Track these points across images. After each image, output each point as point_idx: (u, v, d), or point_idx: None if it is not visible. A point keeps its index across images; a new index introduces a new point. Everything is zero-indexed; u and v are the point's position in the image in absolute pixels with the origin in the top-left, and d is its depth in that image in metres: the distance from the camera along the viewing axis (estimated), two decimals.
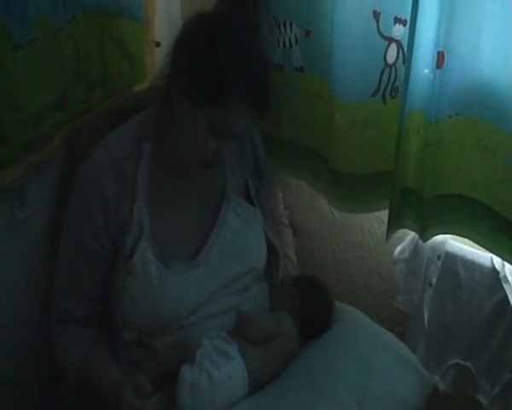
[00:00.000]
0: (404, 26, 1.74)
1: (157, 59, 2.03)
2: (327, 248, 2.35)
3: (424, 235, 1.87)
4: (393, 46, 1.79)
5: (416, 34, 1.62)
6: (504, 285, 1.86)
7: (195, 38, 1.52)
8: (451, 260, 1.95)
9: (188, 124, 1.54)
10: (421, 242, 1.95)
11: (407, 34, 1.68)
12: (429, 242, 1.93)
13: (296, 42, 1.97)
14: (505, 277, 1.85)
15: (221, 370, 1.53)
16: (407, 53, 1.68)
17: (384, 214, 1.95)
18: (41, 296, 1.82)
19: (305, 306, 1.73)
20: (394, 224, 1.88)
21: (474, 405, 1.96)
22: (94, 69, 1.91)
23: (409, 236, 2.03)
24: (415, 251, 2.04)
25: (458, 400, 2.04)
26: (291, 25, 1.96)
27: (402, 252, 2.08)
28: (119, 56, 2.00)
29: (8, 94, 1.59)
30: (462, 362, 2.00)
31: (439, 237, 1.93)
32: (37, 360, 1.92)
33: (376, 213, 2.11)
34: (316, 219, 2.33)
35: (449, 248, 1.95)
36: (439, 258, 1.97)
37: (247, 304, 1.72)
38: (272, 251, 1.80)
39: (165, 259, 1.60)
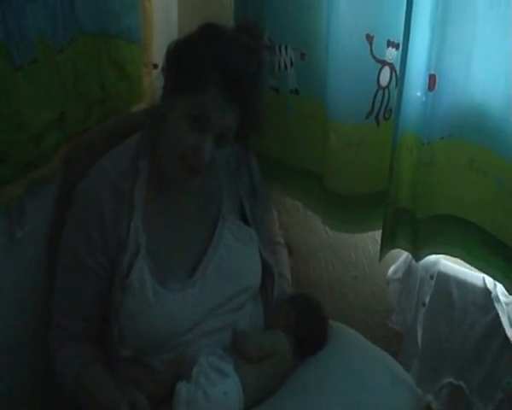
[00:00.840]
0: (397, 49, 1.76)
1: (155, 81, 2.04)
2: (322, 267, 2.35)
3: (417, 255, 1.88)
4: (386, 69, 1.81)
5: (408, 57, 1.64)
6: (496, 305, 1.86)
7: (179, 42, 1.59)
8: (444, 280, 1.96)
9: (171, 121, 1.56)
10: (414, 262, 1.96)
11: (400, 57, 1.70)
12: (422, 262, 1.93)
13: (291, 64, 1.97)
14: (497, 296, 1.86)
15: (217, 387, 1.53)
16: (399, 75, 1.70)
17: (378, 234, 1.95)
18: (39, 312, 1.82)
19: (301, 324, 1.73)
20: (388, 244, 1.89)
21: None
22: (92, 90, 1.92)
23: (402, 256, 2.04)
24: (408, 271, 2.04)
25: None
26: (286, 47, 1.97)
27: (395, 272, 2.08)
28: (117, 78, 2.02)
29: (9, 113, 1.60)
30: (455, 381, 2.00)
31: (432, 257, 1.94)
32: (33, 374, 1.92)
33: (370, 233, 2.12)
34: (311, 240, 2.33)
35: (442, 268, 1.96)
36: (431, 278, 1.98)
37: (242, 322, 1.72)
38: (267, 270, 1.81)
39: (162, 277, 1.61)
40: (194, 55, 1.55)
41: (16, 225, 1.75)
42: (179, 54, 1.58)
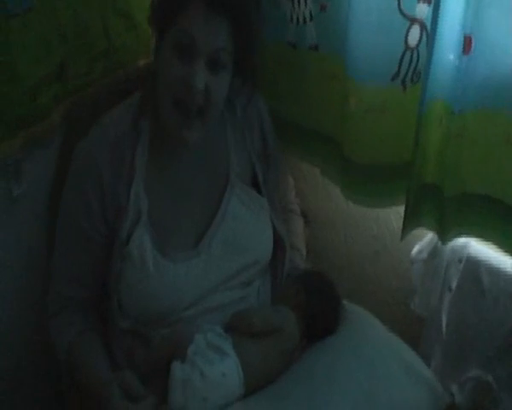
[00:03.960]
0: (429, 4, 1.60)
1: None
2: (340, 239, 2.26)
3: (444, 236, 1.76)
4: (416, 27, 1.64)
5: (441, 15, 1.48)
6: None
7: None
8: (474, 265, 1.82)
9: (161, 62, 1.48)
10: (440, 243, 1.83)
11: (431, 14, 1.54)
12: (450, 244, 1.82)
13: (311, 18, 1.83)
14: None
15: (214, 367, 1.46)
16: (430, 35, 1.54)
17: (402, 208, 1.82)
18: (40, 273, 1.78)
19: (311, 303, 1.64)
20: (411, 222, 1.77)
21: None
22: (96, 41, 1.84)
23: (428, 234, 1.91)
24: (434, 252, 1.91)
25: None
26: None
27: (420, 252, 1.95)
28: (124, 28, 1.92)
29: (2, 65, 1.55)
30: (482, 374, 1.86)
31: (462, 239, 1.83)
32: (35, 342, 1.89)
33: (394, 207, 1.98)
34: (329, 209, 2.24)
35: (471, 252, 1.83)
36: (460, 261, 1.85)
37: (250, 299, 1.67)
38: (279, 243, 1.73)
39: (164, 246, 1.55)
40: None
41: (13, 183, 1.71)
42: None
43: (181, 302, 1.56)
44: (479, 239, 1.78)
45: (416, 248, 1.96)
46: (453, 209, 1.70)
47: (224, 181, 1.66)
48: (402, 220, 1.80)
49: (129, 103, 1.60)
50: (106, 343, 1.61)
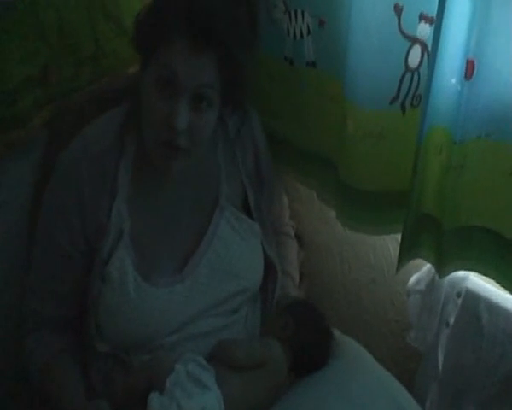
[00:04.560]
0: (431, 25, 1.51)
1: None
2: (336, 265, 2.19)
3: (441, 269, 1.67)
4: (417, 47, 1.56)
5: (442, 36, 1.39)
6: None
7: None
8: (473, 300, 1.75)
9: (144, 95, 1.42)
10: None
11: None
12: (449, 276, 1.75)
13: (308, 32, 1.75)
14: None
15: (193, 401, 1.39)
16: (431, 57, 1.45)
17: (400, 236, 1.73)
18: (18, 285, 1.71)
19: (300, 337, 1.59)
20: (408, 253, 1.69)
21: None
22: (83, 45, 1.80)
23: (426, 265, 1.85)
24: (431, 284, 1.84)
25: None
26: (303, 13, 1.74)
27: (417, 282, 1.88)
28: (113, 33, 1.88)
29: None
30: None
31: (461, 272, 1.75)
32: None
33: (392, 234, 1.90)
34: (325, 232, 2.18)
35: (470, 286, 1.76)
36: (458, 295, 1.78)
37: (236, 327, 1.61)
38: (270, 269, 1.68)
39: (146, 269, 1.50)
40: (156, 10, 1.39)
41: None
42: (143, 17, 1.42)
43: (162, 329, 1.51)
44: (478, 273, 1.70)
45: (412, 279, 1.90)
46: (452, 242, 1.62)
47: (212, 203, 1.60)
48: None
49: (115, 115, 1.55)
50: (83, 367, 1.56)
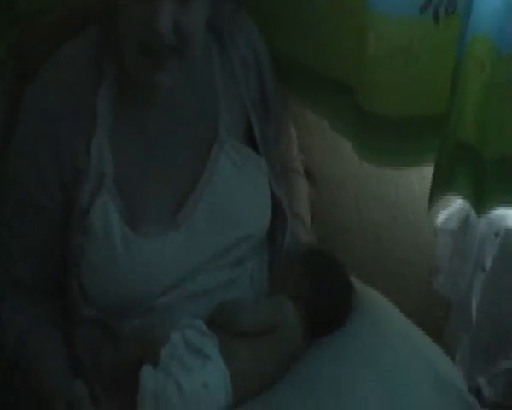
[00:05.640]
0: None
1: None
2: (352, 205, 2.08)
3: (480, 207, 1.57)
4: None
5: None
6: None
7: None
8: None
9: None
10: (473, 211, 1.65)
11: None
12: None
13: None
14: None
15: (194, 376, 1.29)
16: None
17: (427, 169, 1.67)
18: None
19: (317, 295, 1.47)
20: (441, 187, 1.59)
21: None
22: None
23: (459, 200, 1.75)
24: (465, 222, 1.76)
25: None
26: None
27: (448, 221, 1.80)
28: None
29: None
30: None
31: (499, 209, 1.65)
32: None
33: (417, 167, 1.82)
34: (340, 168, 2.06)
35: (511, 225, 1.68)
36: (497, 235, 1.70)
37: (241, 282, 1.50)
38: (278, 212, 1.56)
39: (134, 218, 1.39)
40: None
41: None
42: None
43: (156, 287, 1.40)
44: None
45: (442, 216, 1.81)
46: (493, 175, 1.52)
47: (210, 136, 1.48)
48: (426, 185, 1.64)
49: (89, 35, 1.43)
50: (67, 337, 1.47)
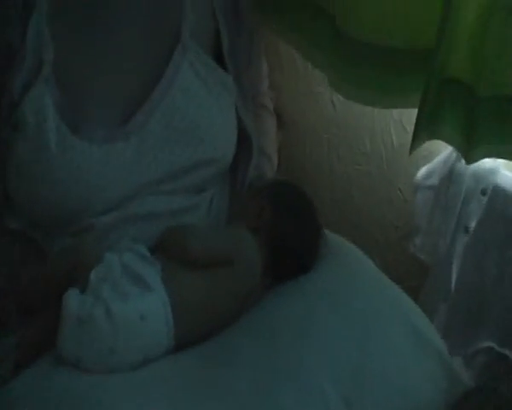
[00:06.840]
0: None
1: None
2: (322, 153, 1.97)
3: (469, 154, 1.46)
4: None
5: None
6: None
7: None
8: (502, 199, 1.58)
9: None
10: (459, 165, 1.60)
11: None
12: (472, 167, 1.56)
13: None
14: None
15: (129, 304, 1.20)
16: None
17: (407, 118, 1.64)
18: None
19: (280, 226, 1.39)
20: (425, 129, 1.47)
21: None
22: None
23: (442, 153, 1.67)
24: (448, 177, 1.66)
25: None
26: None
27: (429, 175, 1.71)
28: None
29: None
30: (497, 347, 1.64)
31: (488, 163, 1.57)
32: None
33: (396, 116, 1.74)
34: (311, 111, 1.95)
35: (500, 181, 1.59)
36: (483, 193, 1.60)
37: (197, 211, 1.42)
38: (244, 142, 1.50)
39: (74, 117, 1.30)
40: None
41: None
42: None
43: (95, 202, 1.31)
44: None
45: (423, 171, 1.72)
46: (487, 116, 1.39)
47: (172, 39, 1.39)
48: (405, 137, 1.64)
49: None
50: None
